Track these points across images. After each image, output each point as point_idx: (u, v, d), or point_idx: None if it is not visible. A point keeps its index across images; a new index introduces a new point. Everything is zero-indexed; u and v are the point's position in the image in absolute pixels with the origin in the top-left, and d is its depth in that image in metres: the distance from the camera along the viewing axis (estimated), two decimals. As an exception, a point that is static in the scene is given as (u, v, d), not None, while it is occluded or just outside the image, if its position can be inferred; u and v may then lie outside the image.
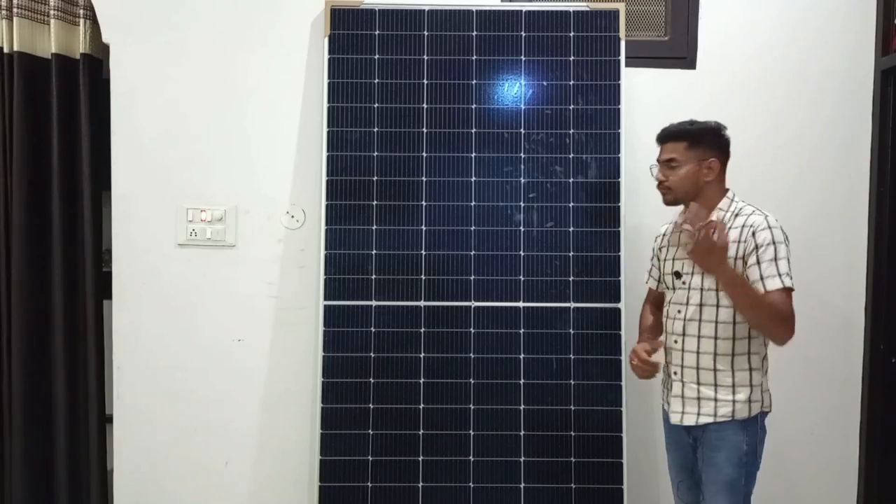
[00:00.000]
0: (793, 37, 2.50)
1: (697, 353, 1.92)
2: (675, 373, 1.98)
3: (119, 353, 2.46)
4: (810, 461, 2.54)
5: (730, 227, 1.90)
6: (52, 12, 2.42)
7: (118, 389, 2.46)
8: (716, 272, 1.88)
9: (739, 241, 1.87)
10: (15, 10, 2.40)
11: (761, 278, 1.83)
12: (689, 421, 1.94)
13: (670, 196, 2.00)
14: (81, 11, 2.46)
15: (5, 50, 2.43)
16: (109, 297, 2.48)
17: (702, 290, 1.92)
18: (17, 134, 2.43)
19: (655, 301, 2.22)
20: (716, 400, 1.90)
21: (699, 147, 1.95)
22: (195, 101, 2.45)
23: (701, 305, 1.92)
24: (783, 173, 2.49)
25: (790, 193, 2.49)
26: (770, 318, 1.84)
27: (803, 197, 2.50)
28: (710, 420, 1.91)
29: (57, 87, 2.45)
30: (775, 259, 1.83)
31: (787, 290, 1.82)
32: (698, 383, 1.92)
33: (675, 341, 1.98)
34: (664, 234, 2.14)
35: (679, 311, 1.97)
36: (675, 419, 1.98)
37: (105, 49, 2.46)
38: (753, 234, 1.85)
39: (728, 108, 2.36)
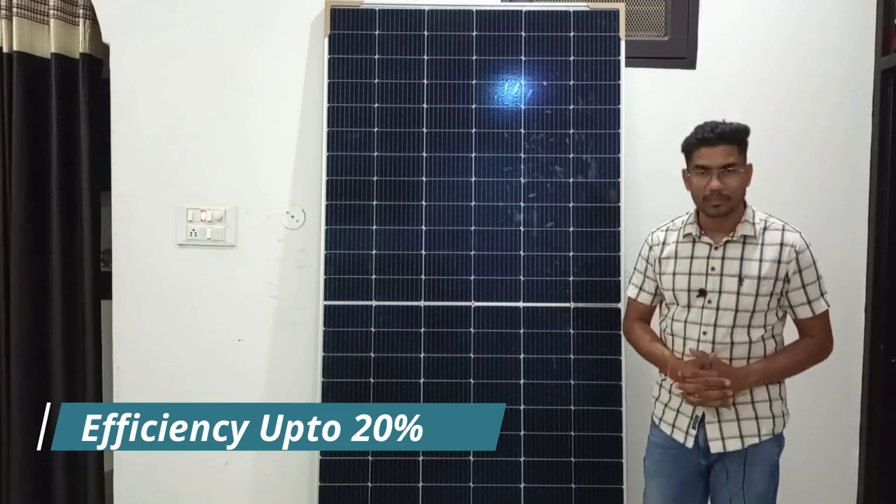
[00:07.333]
0: (793, 37, 2.50)
1: None
2: None
3: (119, 353, 2.46)
4: (810, 461, 2.53)
5: (762, 244, 1.81)
6: (51, 12, 2.42)
7: (118, 390, 2.46)
8: (747, 386, 1.80)
9: (781, 262, 1.78)
10: (14, 9, 2.39)
11: (808, 302, 1.82)
12: (734, 446, 1.81)
13: (725, 207, 1.77)
14: (81, 11, 2.46)
15: (5, 50, 2.42)
16: (108, 297, 2.48)
17: (736, 311, 1.79)
18: (16, 134, 2.42)
19: (643, 317, 2.07)
20: (757, 419, 1.82)
21: (745, 150, 1.82)
22: (195, 101, 2.44)
23: (733, 327, 1.80)
24: (783, 173, 2.49)
25: (790, 193, 2.48)
26: (812, 360, 1.87)
27: (803, 197, 2.50)
28: (755, 441, 1.81)
29: (56, 87, 2.45)
30: (818, 280, 1.83)
31: (826, 311, 1.84)
32: (735, 405, 1.81)
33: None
34: (664, 243, 1.96)
35: (705, 333, 1.83)
36: (715, 447, 1.82)
37: (105, 49, 2.46)
38: (797, 255, 1.79)
39: (728, 109, 2.34)
